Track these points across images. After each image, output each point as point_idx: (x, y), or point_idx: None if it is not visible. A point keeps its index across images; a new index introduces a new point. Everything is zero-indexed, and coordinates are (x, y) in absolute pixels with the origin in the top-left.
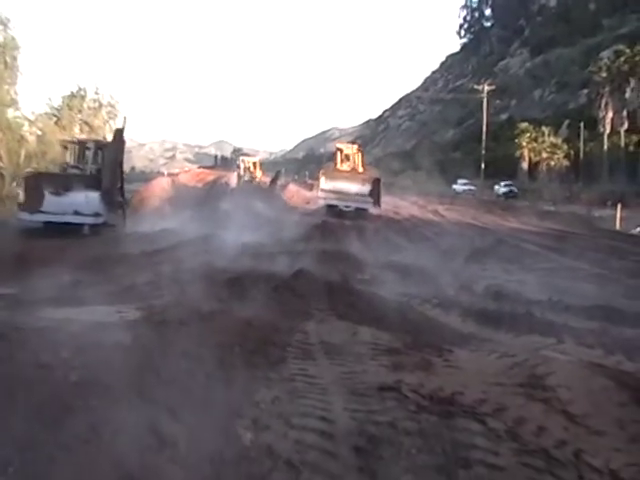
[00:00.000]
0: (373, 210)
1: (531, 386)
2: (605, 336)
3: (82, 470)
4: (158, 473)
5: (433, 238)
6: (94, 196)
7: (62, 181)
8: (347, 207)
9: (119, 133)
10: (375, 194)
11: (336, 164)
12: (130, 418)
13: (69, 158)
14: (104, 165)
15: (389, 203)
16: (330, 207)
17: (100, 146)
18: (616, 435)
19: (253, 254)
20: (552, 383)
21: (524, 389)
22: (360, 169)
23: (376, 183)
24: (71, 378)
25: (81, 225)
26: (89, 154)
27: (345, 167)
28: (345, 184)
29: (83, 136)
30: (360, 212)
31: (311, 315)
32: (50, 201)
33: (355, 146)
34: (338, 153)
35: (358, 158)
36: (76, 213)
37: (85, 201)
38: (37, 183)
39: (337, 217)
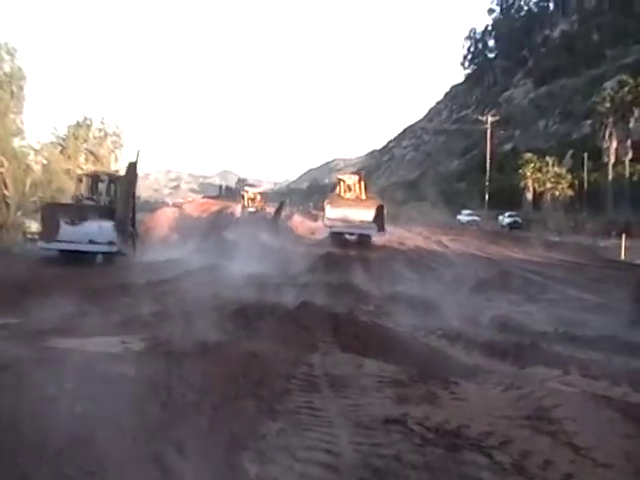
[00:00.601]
0: (377, 237)
1: (537, 418)
2: (611, 367)
3: None
4: None
5: (438, 269)
6: (108, 226)
7: (77, 211)
8: (352, 234)
9: (132, 167)
10: (379, 220)
11: (339, 194)
12: (135, 450)
13: (83, 190)
14: (118, 196)
15: (394, 234)
16: (336, 235)
17: (113, 179)
18: (623, 468)
19: (258, 285)
20: (558, 415)
21: (530, 422)
22: (363, 197)
23: (380, 210)
24: (75, 410)
25: (95, 253)
26: (102, 186)
27: (349, 196)
28: (350, 211)
29: (92, 167)
30: (365, 241)
31: (316, 347)
32: (66, 230)
33: (356, 177)
34: (341, 183)
35: (360, 187)
36: (91, 242)
37: (99, 230)
38: (53, 213)
39: (342, 248)
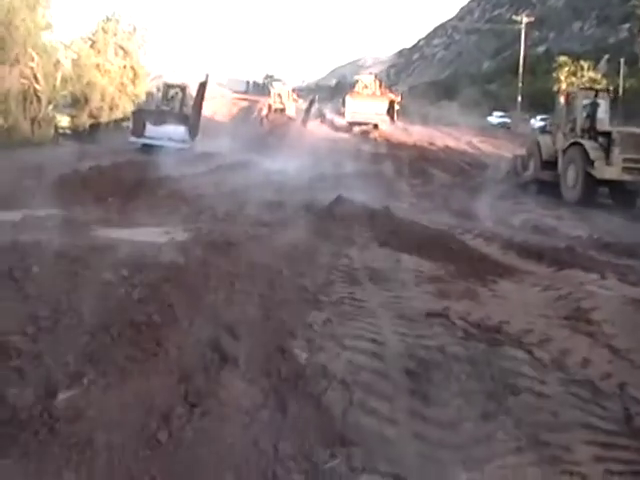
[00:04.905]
0: (389, 125)
1: (576, 319)
2: None
3: (151, 382)
4: (223, 385)
5: (468, 170)
6: (182, 128)
7: (159, 116)
8: (367, 124)
9: (202, 86)
10: (391, 112)
11: (358, 91)
12: (192, 334)
13: (160, 97)
14: (192, 106)
15: (423, 134)
16: (353, 124)
17: (182, 88)
18: None
19: (289, 180)
20: (597, 317)
21: (569, 322)
22: (378, 94)
23: (391, 104)
24: (133, 295)
25: (172, 147)
26: (174, 94)
27: (366, 93)
28: (366, 104)
29: (122, 62)
30: (392, 139)
31: (353, 241)
32: (150, 129)
33: (372, 77)
34: (359, 82)
35: (375, 85)
36: (169, 139)
37: (175, 131)
38: (141, 116)
39: (372, 146)
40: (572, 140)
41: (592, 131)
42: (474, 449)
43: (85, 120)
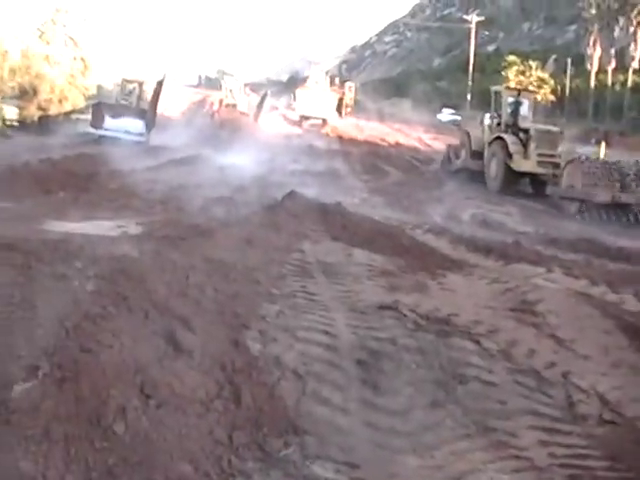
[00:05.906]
0: (337, 120)
1: (522, 311)
2: (589, 268)
3: (107, 374)
4: (178, 377)
5: (419, 167)
6: (140, 122)
7: (117, 109)
8: (317, 118)
9: (160, 83)
10: (339, 108)
11: (309, 86)
12: (147, 326)
13: (120, 92)
14: (148, 102)
15: (374, 129)
16: (305, 118)
17: (139, 83)
18: (601, 360)
19: (241, 174)
20: (542, 309)
21: (515, 313)
22: (327, 89)
23: (340, 100)
24: (88, 287)
25: (129, 140)
26: (132, 89)
27: (316, 88)
28: (316, 99)
29: (71, 52)
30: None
31: (306, 235)
32: (109, 122)
33: (323, 72)
34: (310, 78)
35: (326, 81)
36: (126, 132)
37: (133, 125)
38: (100, 109)
39: (325, 142)
40: (496, 134)
41: (514, 127)
42: (424, 436)
43: (34, 112)
